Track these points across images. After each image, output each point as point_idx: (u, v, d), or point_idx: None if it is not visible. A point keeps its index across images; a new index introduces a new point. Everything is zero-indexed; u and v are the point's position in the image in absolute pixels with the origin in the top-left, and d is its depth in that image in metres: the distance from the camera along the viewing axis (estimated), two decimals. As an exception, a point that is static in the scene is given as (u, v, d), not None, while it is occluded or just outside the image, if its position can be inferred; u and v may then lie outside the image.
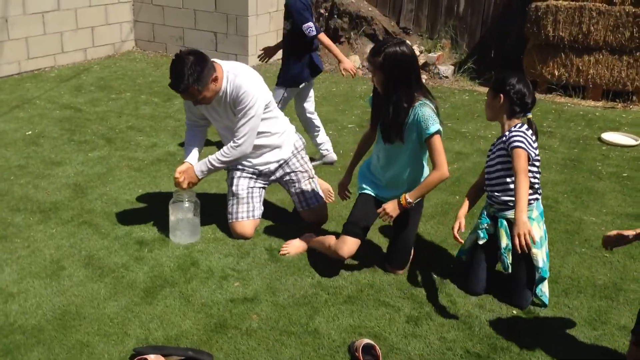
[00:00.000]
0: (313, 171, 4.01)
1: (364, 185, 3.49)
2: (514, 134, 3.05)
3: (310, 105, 4.93)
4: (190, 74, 3.31)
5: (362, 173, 3.54)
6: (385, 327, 2.99)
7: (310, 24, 4.58)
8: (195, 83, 3.35)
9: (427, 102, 3.16)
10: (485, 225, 3.25)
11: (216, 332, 2.92)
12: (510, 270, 3.18)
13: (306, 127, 5.02)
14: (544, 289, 3.17)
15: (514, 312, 3.14)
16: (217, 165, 3.65)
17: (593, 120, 6.34)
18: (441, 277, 3.41)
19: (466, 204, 3.29)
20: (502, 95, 3.11)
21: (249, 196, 3.79)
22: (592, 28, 6.79)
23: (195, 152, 3.76)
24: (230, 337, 2.89)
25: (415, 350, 2.84)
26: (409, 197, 3.19)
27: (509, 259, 3.16)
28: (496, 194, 3.21)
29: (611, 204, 4.38)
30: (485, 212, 3.31)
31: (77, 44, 8.14)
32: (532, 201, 3.14)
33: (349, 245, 3.31)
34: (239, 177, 3.79)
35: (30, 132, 5.53)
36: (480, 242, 3.26)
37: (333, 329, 2.96)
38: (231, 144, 3.61)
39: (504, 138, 3.11)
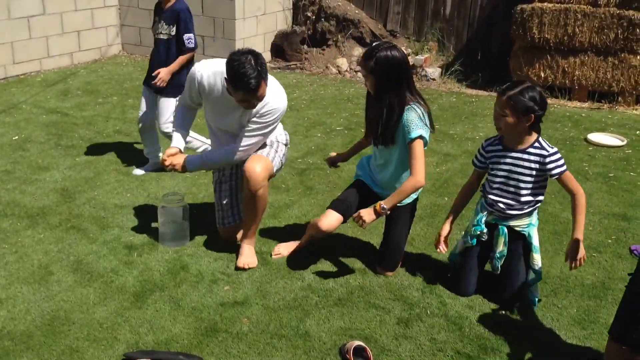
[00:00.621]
0: (278, 160, 3.66)
1: (361, 174, 3.53)
2: (554, 158, 3.05)
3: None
4: (259, 69, 3.18)
5: (362, 165, 3.57)
6: (376, 329, 3.00)
7: (192, 35, 4.70)
8: (264, 77, 3.22)
9: (416, 106, 3.17)
10: (479, 232, 3.20)
11: (207, 336, 2.91)
12: (499, 272, 3.20)
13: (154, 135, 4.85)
14: (532, 287, 3.18)
15: (504, 312, 3.16)
16: (210, 165, 3.60)
17: (579, 121, 6.39)
18: (431, 279, 3.42)
19: (449, 221, 3.26)
20: (533, 115, 3.04)
21: (233, 200, 3.77)
22: (577, 30, 6.84)
23: (182, 137, 3.69)
24: (221, 341, 2.88)
25: (406, 352, 2.84)
26: (383, 204, 3.14)
27: (500, 263, 3.18)
28: (501, 205, 3.13)
29: (598, 204, 4.41)
30: (482, 219, 3.20)
31: (63, 49, 8.09)
32: (536, 204, 3.15)
33: (329, 218, 3.31)
34: (222, 182, 3.77)
35: (16, 137, 5.50)
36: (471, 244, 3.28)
37: (324, 332, 2.97)
38: (231, 147, 3.51)
39: (534, 157, 3.05)
